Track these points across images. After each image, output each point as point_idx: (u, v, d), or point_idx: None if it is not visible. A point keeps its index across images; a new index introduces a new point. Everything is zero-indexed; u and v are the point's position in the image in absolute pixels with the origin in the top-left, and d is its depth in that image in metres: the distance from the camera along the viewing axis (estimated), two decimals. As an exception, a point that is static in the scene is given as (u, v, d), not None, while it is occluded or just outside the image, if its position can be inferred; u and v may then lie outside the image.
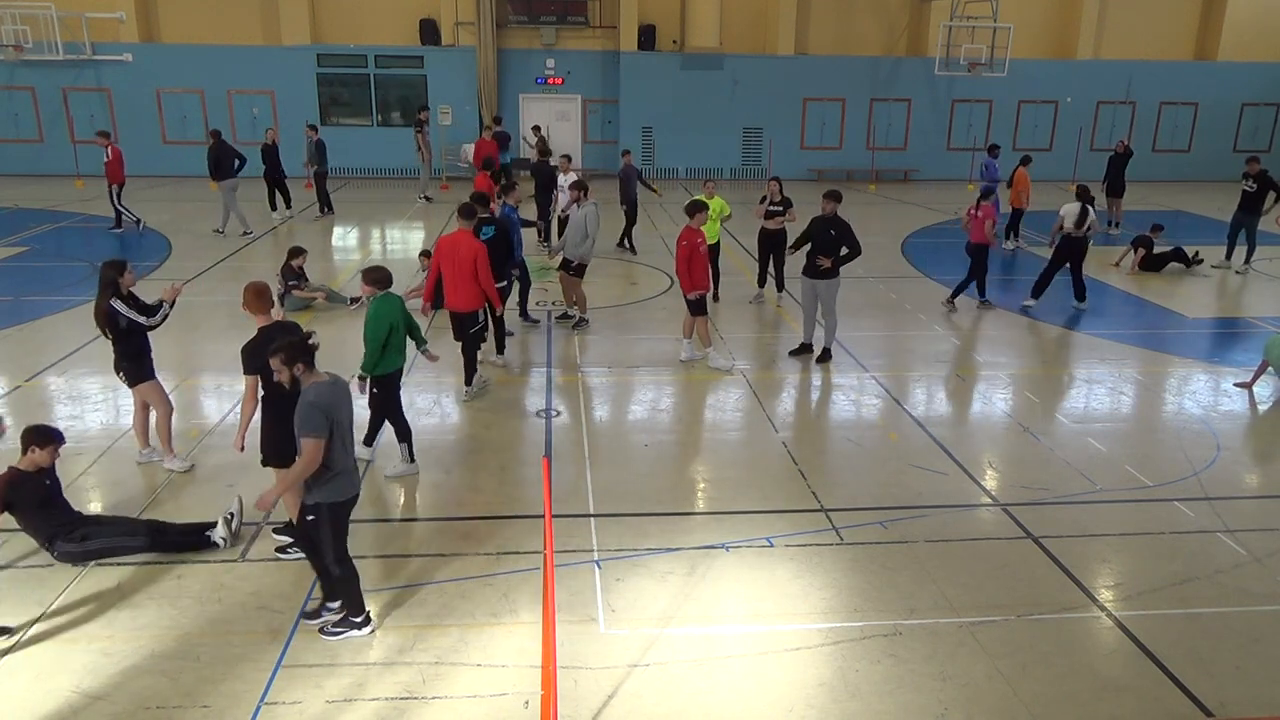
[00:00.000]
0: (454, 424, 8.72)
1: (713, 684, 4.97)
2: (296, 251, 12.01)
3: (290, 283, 11.84)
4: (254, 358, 5.72)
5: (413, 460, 7.47)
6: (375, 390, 7.24)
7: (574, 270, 11.25)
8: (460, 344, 8.98)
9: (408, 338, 7.33)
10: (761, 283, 13.09)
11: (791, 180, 25.34)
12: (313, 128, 19.07)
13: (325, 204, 19.06)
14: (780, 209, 12.47)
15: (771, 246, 12.76)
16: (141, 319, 7.11)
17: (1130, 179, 19.06)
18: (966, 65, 24.48)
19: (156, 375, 7.42)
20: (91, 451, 7.77)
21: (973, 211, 12.58)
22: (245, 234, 16.72)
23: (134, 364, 7.25)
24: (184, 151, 23.88)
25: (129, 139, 23.98)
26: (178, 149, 24.08)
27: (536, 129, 21.36)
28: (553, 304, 12.45)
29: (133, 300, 7.17)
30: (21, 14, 22.35)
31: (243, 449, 6.13)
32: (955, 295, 12.72)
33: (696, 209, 9.94)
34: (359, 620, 5.30)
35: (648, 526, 6.64)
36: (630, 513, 6.86)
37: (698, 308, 10.04)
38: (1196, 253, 15.37)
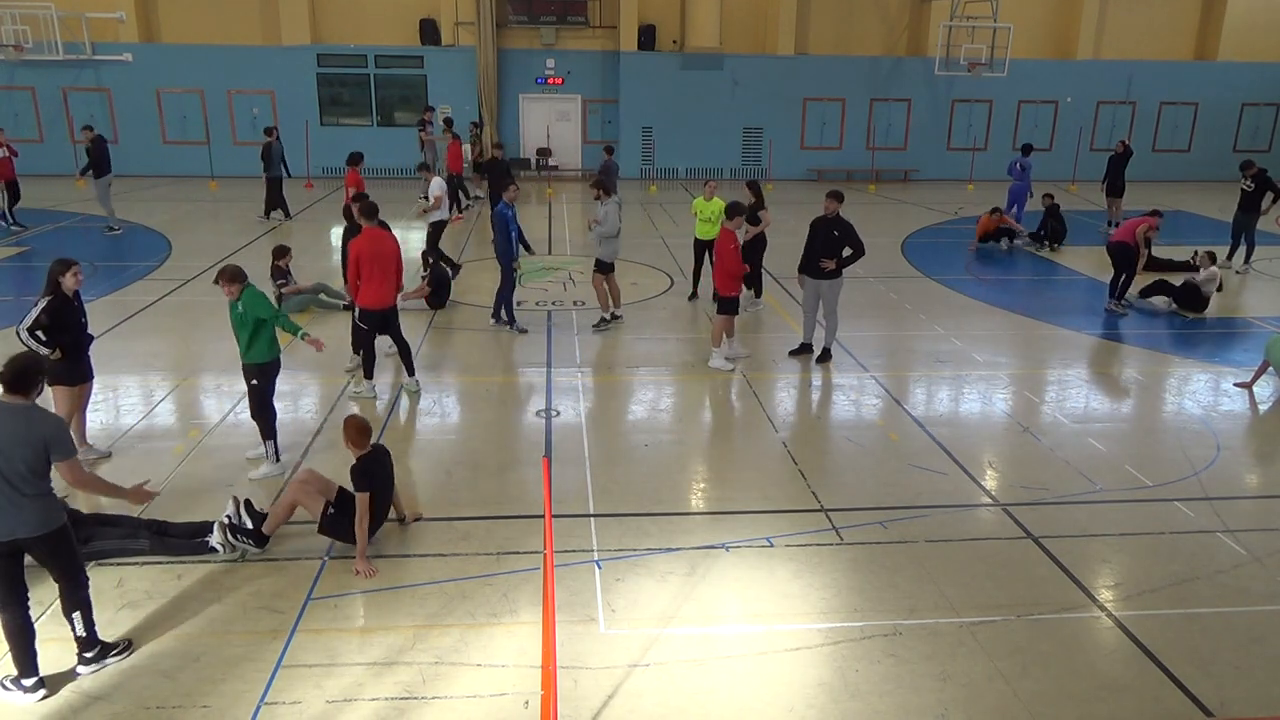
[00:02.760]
0: (454, 424, 8.73)
1: (713, 684, 4.97)
2: (281, 251, 11.99)
3: (279, 281, 11.84)
4: (364, 478, 6.01)
5: (278, 460, 7.42)
6: (255, 381, 7.21)
7: (601, 269, 11.29)
8: (378, 338, 8.92)
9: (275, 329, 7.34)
10: (750, 287, 12.90)
11: (792, 180, 25.56)
12: (268, 130, 18.78)
13: (280, 208, 18.50)
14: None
15: (748, 250, 12.54)
16: (33, 331, 6.94)
17: (1130, 179, 19.05)
18: (966, 65, 24.47)
19: (72, 385, 7.31)
20: (91, 451, 7.75)
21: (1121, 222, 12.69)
22: (112, 230, 16.77)
23: (60, 364, 7.14)
24: (184, 151, 23.90)
25: (129, 139, 24.02)
26: (178, 149, 24.07)
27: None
28: (553, 304, 12.44)
29: (65, 307, 7.13)
30: (21, 14, 22.34)
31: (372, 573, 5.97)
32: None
33: (736, 211, 10.01)
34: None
35: (648, 526, 6.64)
36: (630, 513, 6.86)
37: (734, 307, 10.11)
38: (1196, 253, 15.35)
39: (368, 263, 8.59)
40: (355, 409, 8.63)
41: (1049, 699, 4.90)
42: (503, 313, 11.38)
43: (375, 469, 6.11)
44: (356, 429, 6.08)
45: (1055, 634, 5.46)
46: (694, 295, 12.86)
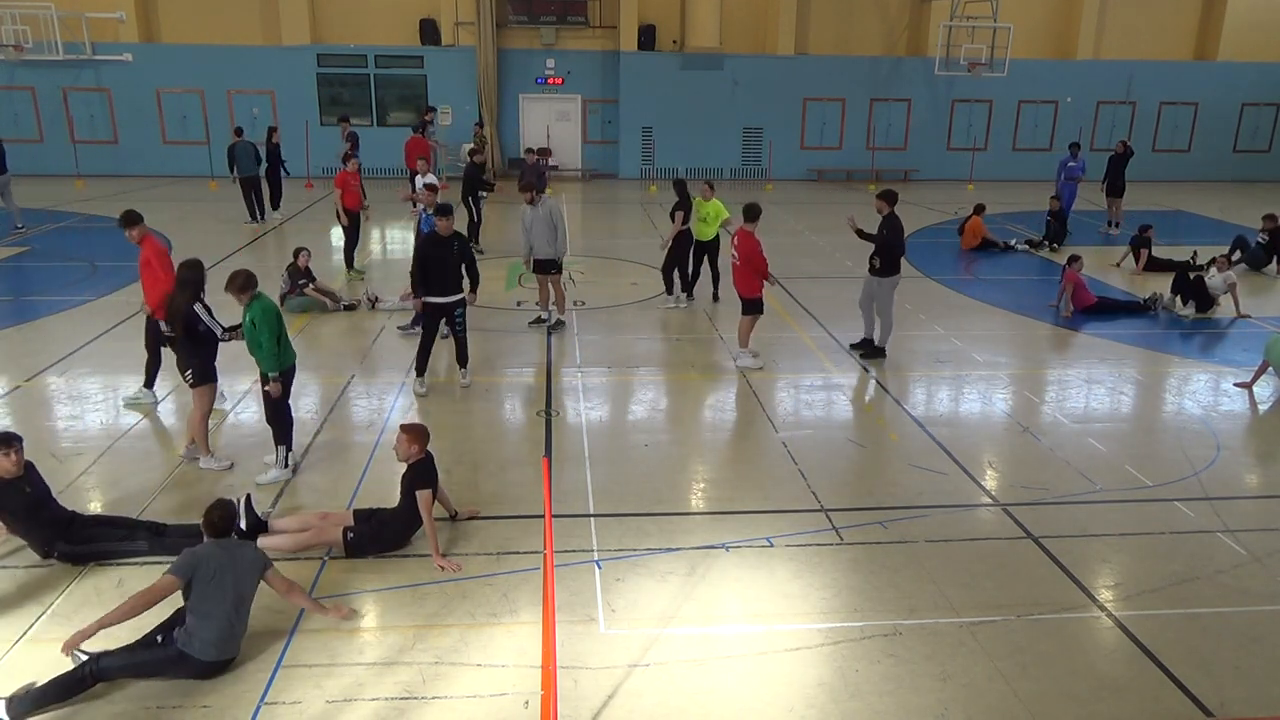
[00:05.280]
0: (454, 424, 8.72)
1: (713, 684, 4.97)
2: (299, 250, 12.04)
3: (300, 281, 11.88)
4: (429, 476, 6.19)
5: (287, 466, 7.35)
6: (272, 394, 7.16)
7: (552, 270, 11.15)
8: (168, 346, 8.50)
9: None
10: (669, 288, 12.89)
11: (792, 180, 25.56)
12: (237, 130, 18.68)
13: (252, 210, 18.30)
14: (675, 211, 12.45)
15: (675, 251, 12.59)
16: (216, 329, 7.25)
17: (1130, 179, 19.06)
18: (966, 65, 24.48)
19: (214, 381, 7.49)
20: (91, 451, 7.76)
21: (1065, 283, 12.61)
22: (18, 228, 16.72)
23: (206, 364, 7.32)
24: (184, 151, 23.91)
25: (129, 139, 24.05)
26: (178, 149, 24.09)
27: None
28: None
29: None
30: (21, 14, 22.35)
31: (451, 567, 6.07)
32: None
33: (754, 213, 10.02)
34: None
35: (648, 526, 6.64)
36: (630, 513, 6.86)
37: (759, 307, 10.15)
38: (1195, 253, 15.38)
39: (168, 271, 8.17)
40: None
41: (1049, 699, 4.90)
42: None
43: (433, 468, 6.23)
44: (419, 434, 6.19)
45: (1055, 634, 5.46)
46: (691, 296, 12.83)
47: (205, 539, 5.07)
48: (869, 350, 10.59)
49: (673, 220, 12.33)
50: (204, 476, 7.33)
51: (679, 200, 12.34)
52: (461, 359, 9.51)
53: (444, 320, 9.33)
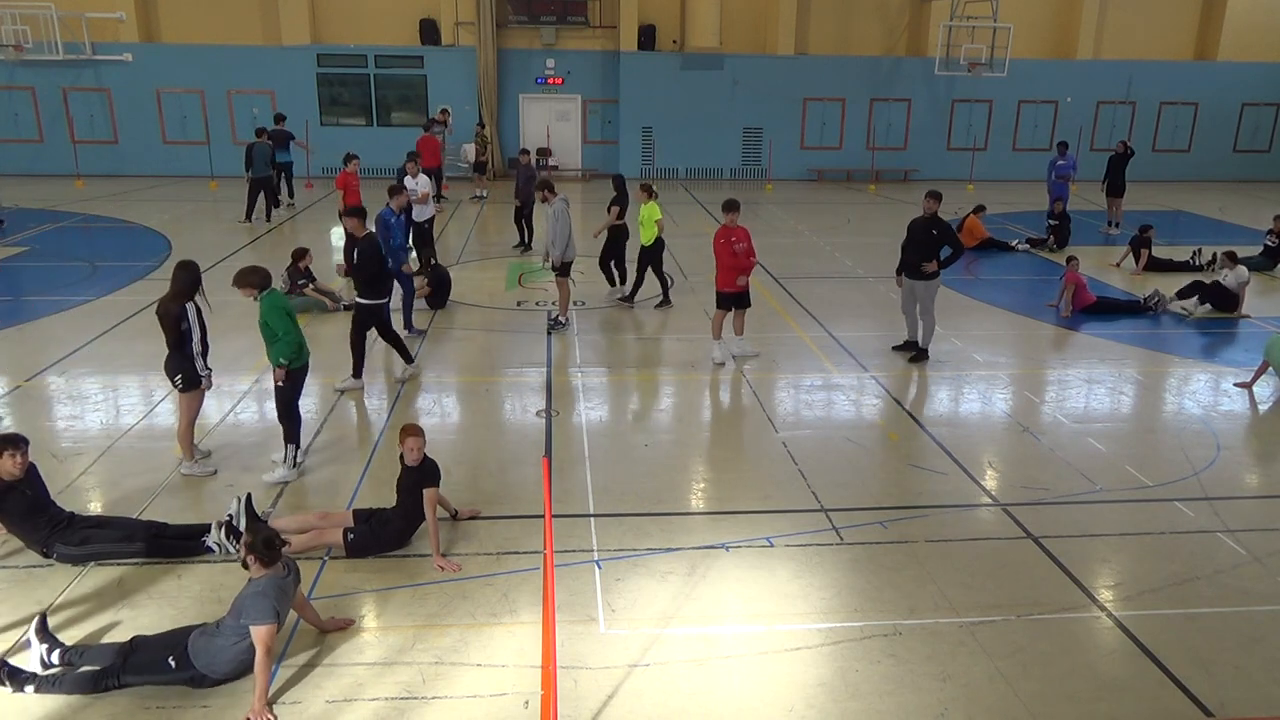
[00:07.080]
0: (453, 424, 8.72)
1: (713, 684, 4.97)
2: (300, 253, 12.05)
3: (300, 282, 11.89)
4: (436, 476, 6.15)
5: (295, 466, 7.33)
6: (280, 384, 7.13)
7: (559, 271, 11.24)
8: None
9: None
10: (610, 280, 13.04)
11: (792, 180, 25.56)
12: (258, 131, 18.69)
13: (250, 208, 18.17)
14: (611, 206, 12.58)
15: (610, 244, 12.80)
16: (197, 333, 7.19)
17: (1130, 179, 19.04)
18: (966, 65, 24.47)
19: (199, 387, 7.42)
20: (91, 451, 7.76)
21: (1066, 283, 12.58)
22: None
23: (193, 367, 7.24)
24: (184, 151, 23.90)
25: (129, 139, 24.04)
26: (178, 149, 24.08)
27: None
28: (552, 304, 12.44)
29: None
30: (21, 14, 22.34)
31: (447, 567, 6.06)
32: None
33: (731, 207, 10.01)
34: None
35: (648, 526, 6.64)
36: (630, 513, 6.86)
37: (727, 303, 10.12)
38: (1197, 251, 15.37)
39: None
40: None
41: (1049, 699, 4.90)
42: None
43: (437, 468, 6.22)
44: (423, 433, 6.17)
45: (1055, 634, 5.46)
46: (627, 297, 12.67)
47: (255, 568, 4.83)
48: (917, 354, 10.50)
49: (608, 214, 12.52)
50: (202, 478, 7.32)
51: (615, 195, 12.51)
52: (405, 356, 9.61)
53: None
